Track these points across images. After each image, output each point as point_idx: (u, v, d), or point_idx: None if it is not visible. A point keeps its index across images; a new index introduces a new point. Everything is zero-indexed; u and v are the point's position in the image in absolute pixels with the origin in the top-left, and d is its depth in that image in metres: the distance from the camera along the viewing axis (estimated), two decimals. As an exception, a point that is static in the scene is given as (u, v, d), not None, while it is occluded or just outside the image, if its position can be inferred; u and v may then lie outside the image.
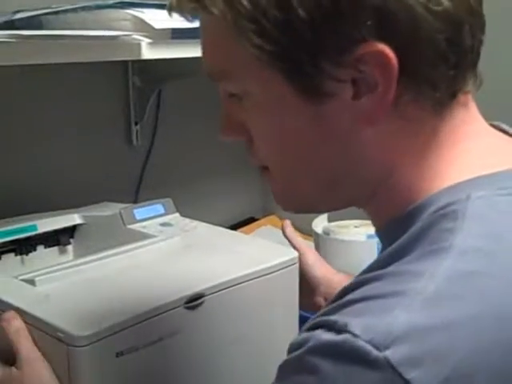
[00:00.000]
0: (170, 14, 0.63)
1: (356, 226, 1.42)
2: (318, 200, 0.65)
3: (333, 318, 0.52)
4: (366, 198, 0.63)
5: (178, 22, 1.16)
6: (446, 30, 0.54)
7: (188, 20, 0.65)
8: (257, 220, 1.81)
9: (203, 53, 0.64)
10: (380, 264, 0.56)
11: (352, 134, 0.58)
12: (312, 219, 1.44)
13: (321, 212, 0.64)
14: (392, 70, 0.54)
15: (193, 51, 1.21)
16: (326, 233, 1.38)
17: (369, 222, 1.42)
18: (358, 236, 1.35)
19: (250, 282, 0.97)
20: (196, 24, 1.18)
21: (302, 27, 0.53)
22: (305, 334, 0.54)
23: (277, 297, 1.03)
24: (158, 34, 1.13)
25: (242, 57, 0.57)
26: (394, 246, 0.57)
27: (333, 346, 0.50)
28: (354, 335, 0.49)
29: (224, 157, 1.79)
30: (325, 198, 0.65)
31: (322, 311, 0.56)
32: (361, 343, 0.48)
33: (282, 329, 1.05)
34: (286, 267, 1.04)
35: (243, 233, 1.60)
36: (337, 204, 0.66)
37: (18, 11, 1.24)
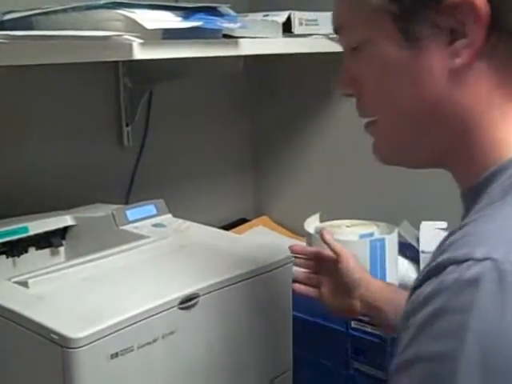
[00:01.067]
0: None
1: (348, 226, 1.42)
2: (414, 149, 0.71)
3: (456, 253, 0.54)
4: (451, 153, 0.68)
5: (169, 22, 1.17)
6: None
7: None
8: (248, 221, 1.81)
9: (333, 10, 0.72)
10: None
11: (445, 79, 0.64)
12: (304, 220, 1.44)
13: (413, 167, 0.70)
14: (483, 18, 0.60)
15: (184, 52, 1.21)
16: (318, 233, 1.37)
17: (361, 221, 1.44)
18: (350, 236, 1.34)
19: (245, 281, 0.97)
20: (187, 24, 1.19)
21: None
22: (433, 281, 0.55)
23: (271, 296, 1.03)
24: (150, 34, 1.12)
25: (360, 6, 0.66)
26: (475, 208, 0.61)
27: (480, 275, 0.51)
28: (495, 260, 0.51)
29: (215, 157, 1.79)
30: (421, 147, 0.70)
31: (422, 272, 0.58)
32: (507, 266, 0.51)
33: (275, 328, 1.05)
34: (280, 266, 1.04)
35: (235, 233, 1.59)
36: (428, 155, 0.71)
37: (8, 12, 1.23)
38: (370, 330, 1.25)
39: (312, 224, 1.41)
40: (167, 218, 1.24)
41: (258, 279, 1.00)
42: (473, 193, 0.65)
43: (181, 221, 1.22)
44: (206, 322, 0.93)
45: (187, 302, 0.89)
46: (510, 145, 0.64)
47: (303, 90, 1.76)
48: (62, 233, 1.23)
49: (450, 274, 0.53)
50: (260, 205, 1.88)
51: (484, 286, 0.51)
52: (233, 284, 0.95)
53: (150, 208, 1.24)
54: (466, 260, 0.53)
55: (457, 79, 0.64)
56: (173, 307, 0.88)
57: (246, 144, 1.88)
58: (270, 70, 1.79)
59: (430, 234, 1.43)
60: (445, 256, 0.55)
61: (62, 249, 1.23)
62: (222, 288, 0.94)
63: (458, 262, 0.53)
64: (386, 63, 0.67)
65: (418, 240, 1.45)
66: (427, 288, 0.55)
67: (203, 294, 0.91)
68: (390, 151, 0.74)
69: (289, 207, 1.81)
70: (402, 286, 1.37)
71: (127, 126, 1.57)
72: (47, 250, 1.21)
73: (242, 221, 1.82)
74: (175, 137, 1.68)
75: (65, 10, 1.17)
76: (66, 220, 1.23)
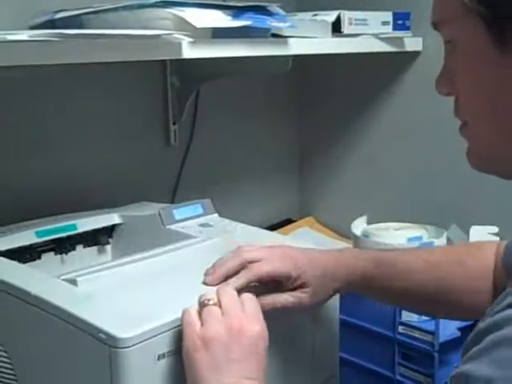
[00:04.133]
0: None
1: (396, 229, 1.40)
2: (509, 159, 0.69)
3: None
4: None
5: (218, 21, 1.16)
6: None
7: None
8: (294, 221, 1.80)
9: (433, 7, 0.72)
10: None
11: None
12: (351, 221, 1.42)
13: (505, 174, 0.68)
14: None
15: (233, 51, 1.20)
16: (366, 235, 1.36)
17: (409, 224, 1.41)
18: (398, 239, 1.32)
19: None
20: (237, 23, 1.18)
21: None
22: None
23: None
24: (199, 33, 1.12)
25: (456, 5, 0.66)
26: None
27: None
28: None
29: (262, 158, 1.78)
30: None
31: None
32: None
33: (322, 331, 1.04)
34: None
35: (280, 234, 1.58)
36: None
37: (59, 11, 1.24)
38: (417, 336, 1.23)
39: (359, 226, 1.40)
40: (214, 217, 1.23)
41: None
42: None
43: (227, 221, 1.21)
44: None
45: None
46: None
47: (351, 90, 1.74)
48: (110, 231, 1.23)
49: None
50: (306, 205, 1.87)
51: None
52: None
53: (196, 207, 1.24)
54: None
55: None
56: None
57: (293, 144, 1.87)
58: (319, 71, 1.78)
59: (480, 239, 1.40)
60: None
61: (108, 247, 1.23)
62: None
63: None
64: (477, 65, 0.67)
65: (467, 244, 1.42)
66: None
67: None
68: (481, 158, 0.72)
69: (335, 208, 1.79)
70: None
71: (174, 124, 1.58)
72: (94, 248, 1.22)
73: (288, 221, 1.80)
74: (221, 136, 1.68)
75: (115, 9, 1.17)
76: (113, 218, 1.23)
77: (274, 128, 1.80)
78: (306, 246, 1.05)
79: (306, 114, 1.84)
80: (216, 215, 1.24)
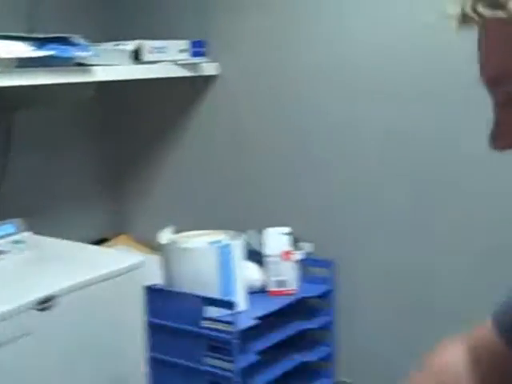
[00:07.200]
0: (463, 21, 0.64)
1: (198, 236, 1.54)
2: None
3: None
4: None
5: (22, 51, 1.26)
6: None
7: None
8: (109, 240, 1.90)
9: (486, 61, 0.65)
10: None
11: None
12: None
13: None
14: None
15: (38, 79, 1.30)
16: (170, 243, 1.49)
17: (210, 231, 1.57)
18: (200, 243, 1.47)
19: (98, 284, 1.07)
20: (40, 53, 1.28)
21: None
22: None
23: (123, 298, 1.13)
24: (4, 63, 1.21)
25: None
26: None
27: None
28: None
29: (78, 181, 1.88)
30: None
31: None
32: None
33: (129, 329, 1.16)
34: (131, 271, 1.15)
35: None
36: None
37: None
38: (219, 328, 1.38)
39: (165, 236, 1.52)
40: (27, 235, 1.31)
41: (110, 282, 1.10)
42: None
43: (40, 237, 1.30)
44: (64, 322, 1.02)
45: (44, 304, 0.98)
46: None
47: (157, 114, 1.89)
48: None
49: None
50: (120, 224, 1.98)
51: None
52: (87, 286, 1.05)
53: (8, 227, 1.32)
54: None
55: None
56: (31, 309, 0.96)
57: (107, 168, 1.98)
58: (126, 96, 1.91)
59: (273, 239, 1.58)
60: None
61: None
62: (77, 290, 1.04)
63: None
64: None
65: (262, 245, 1.60)
66: None
67: (60, 296, 1.00)
68: None
69: (147, 225, 1.90)
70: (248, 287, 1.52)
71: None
72: None
73: (104, 240, 1.90)
74: (38, 161, 1.75)
75: None
76: None
77: (88, 152, 1.90)
78: (114, 251, 1.17)
79: (117, 139, 1.96)
80: (30, 233, 1.32)
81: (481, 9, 0.60)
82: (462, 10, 0.61)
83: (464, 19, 0.61)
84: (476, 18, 0.61)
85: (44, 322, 0.99)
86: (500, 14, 0.59)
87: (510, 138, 0.63)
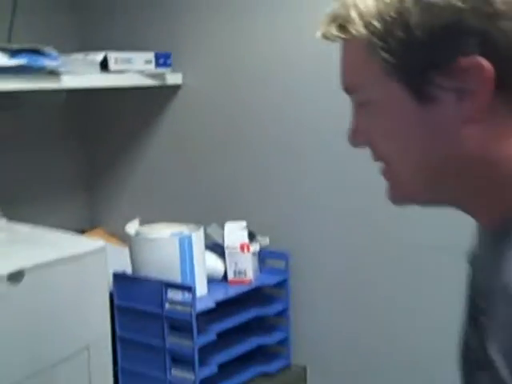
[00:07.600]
0: (326, 40, 0.74)
1: (162, 228, 1.67)
2: (427, 196, 0.75)
3: None
4: (470, 195, 0.72)
5: (-3, 60, 1.41)
6: None
7: None
8: (85, 232, 2.03)
9: (342, 73, 0.76)
10: None
11: (453, 133, 0.69)
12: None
13: (427, 204, 0.79)
14: (489, 80, 0.65)
15: (11, 84, 1.45)
16: (137, 234, 1.63)
17: (174, 224, 1.71)
18: (162, 234, 1.61)
19: (64, 263, 1.21)
20: (13, 62, 1.43)
21: (418, 45, 0.66)
22: None
23: (87, 277, 1.27)
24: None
25: (371, 70, 0.70)
26: None
27: None
28: None
29: (55, 181, 2.02)
30: (434, 194, 0.75)
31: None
32: None
33: (93, 310, 1.29)
34: (94, 254, 1.28)
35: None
36: (442, 199, 0.75)
37: None
38: (180, 309, 1.52)
39: (132, 227, 1.66)
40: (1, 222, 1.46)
41: (76, 264, 1.24)
42: (505, 232, 0.68)
43: (13, 224, 1.44)
44: (32, 297, 1.16)
45: (14, 277, 1.12)
46: None
47: (125, 120, 2.05)
48: None
49: None
50: (95, 217, 2.13)
51: None
52: (54, 265, 1.19)
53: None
54: None
55: (467, 132, 0.68)
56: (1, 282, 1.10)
57: (82, 167, 2.13)
58: (99, 102, 2.06)
59: (232, 233, 1.73)
60: None
61: None
62: (44, 268, 1.17)
63: None
64: (396, 119, 0.71)
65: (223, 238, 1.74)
66: None
67: (28, 271, 1.14)
68: (402, 197, 0.78)
69: (120, 219, 2.04)
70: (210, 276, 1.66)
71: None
72: None
73: (80, 232, 2.03)
74: (14, 160, 1.90)
75: None
76: None
77: (63, 152, 2.06)
78: (79, 237, 1.32)
79: (92, 142, 2.12)
80: (4, 220, 1.46)
81: (333, 31, 0.72)
82: (322, 30, 0.73)
83: (326, 38, 0.73)
84: (331, 38, 0.72)
85: (13, 293, 1.12)
86: (345, 35, 0.70)
87: (362, 135, 0.76)
